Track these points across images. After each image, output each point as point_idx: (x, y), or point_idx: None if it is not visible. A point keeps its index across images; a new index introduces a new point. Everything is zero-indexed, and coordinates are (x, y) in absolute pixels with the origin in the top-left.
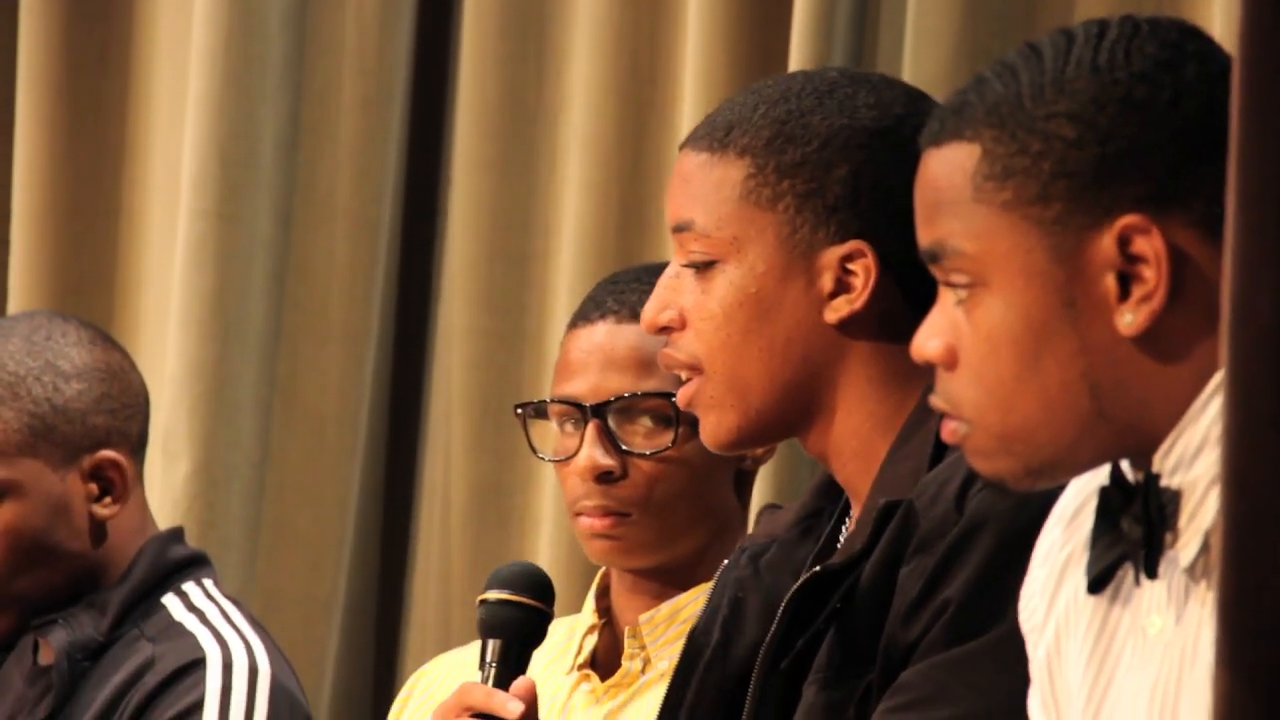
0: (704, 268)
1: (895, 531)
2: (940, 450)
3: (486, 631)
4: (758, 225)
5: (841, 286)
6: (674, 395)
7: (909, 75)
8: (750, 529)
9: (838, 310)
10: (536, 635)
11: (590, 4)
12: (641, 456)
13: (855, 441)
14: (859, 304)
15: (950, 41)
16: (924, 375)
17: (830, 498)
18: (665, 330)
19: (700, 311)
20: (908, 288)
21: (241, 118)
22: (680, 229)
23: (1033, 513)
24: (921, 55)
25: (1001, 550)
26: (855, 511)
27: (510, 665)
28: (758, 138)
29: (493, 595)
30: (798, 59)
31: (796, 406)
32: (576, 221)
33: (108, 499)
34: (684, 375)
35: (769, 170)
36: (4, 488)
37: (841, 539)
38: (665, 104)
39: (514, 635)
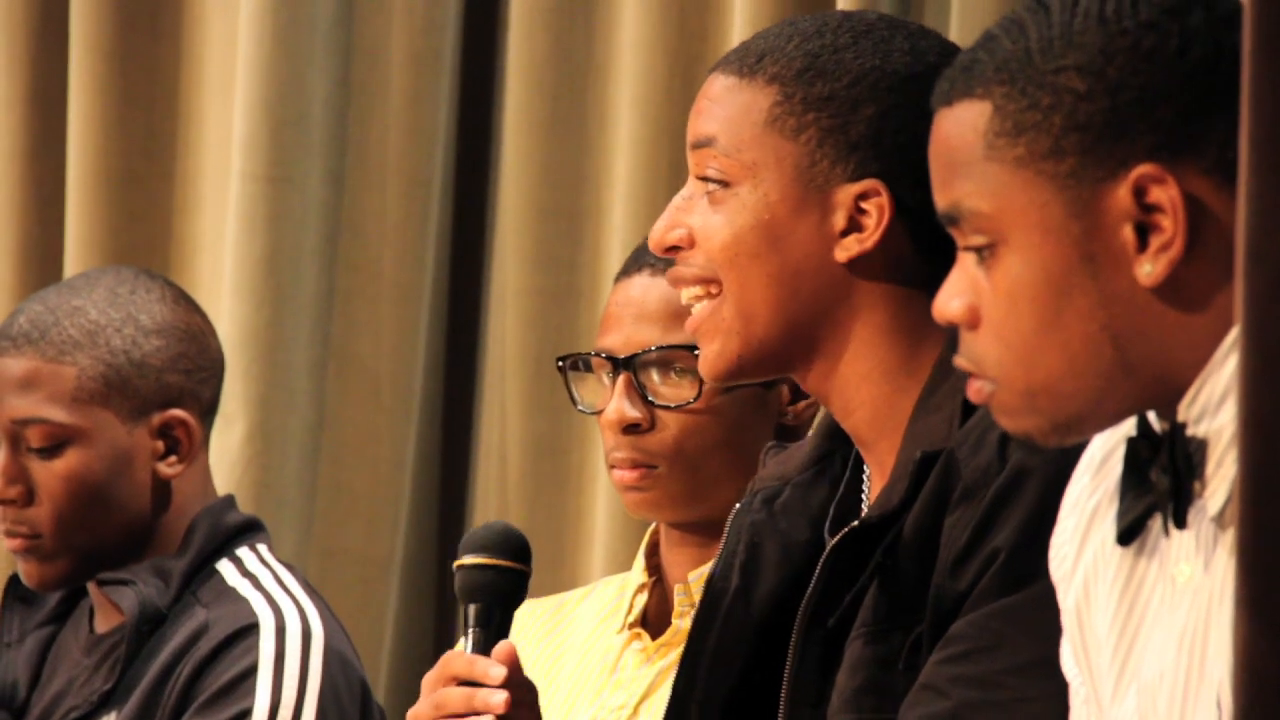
0: (718, 187)
1: (936, 482)
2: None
3: (464, 597)
4: (778, 154)
5: (854, 225)
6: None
7: (957, 20)
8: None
9: (847, 249)
10: (515, 596)
11: None
12: (664, 408)
13: (867, 388)
14: (869, 244)
15: None
16: (937, 325)
17: (840, 439)
18: (673, 250)
19: (708, 230)
20: (921, 236)
21: (291, 79)
22: (700, 145)
23: (1077, 459)
24: (970, 4)
25: (1048, 497)
26: (869, 461)
27: (491, 629)
28: (789, 68)
29: (468, 560)
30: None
31: (799, 342)
32: (627, 178)
33: (173, 458)
34: (693, 296)
35: (796, 100)
36: (71, 434)
37: (866, 488)
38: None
39: (492, 598)
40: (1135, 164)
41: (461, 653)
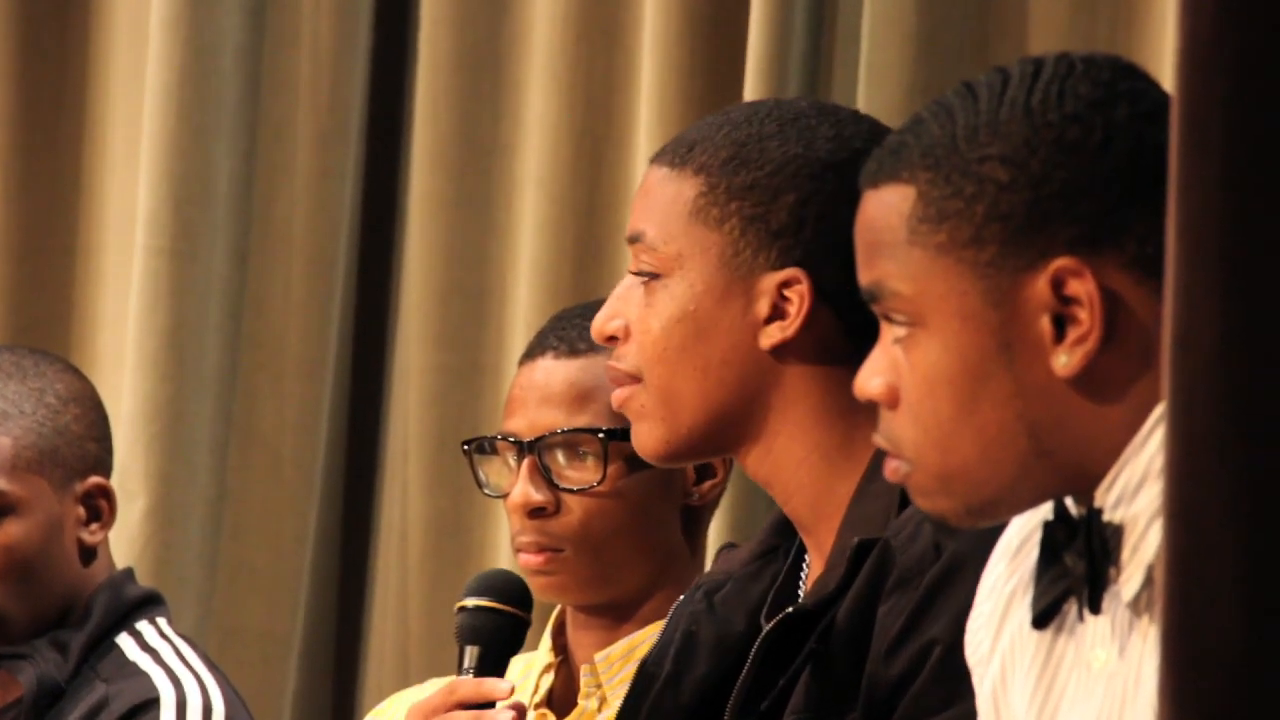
0: (649, 280)
1: (871, 570)
2: None
3: (465, 638)
4: (703, 244)
5: (777, 313)
6: (603, 431)
7: (862, 111)
8: (708, 567)
9: (770, 336)
10: (514, 642)
11: (544, 40)
12: (569, 492)
13: (804, 472)
14: (791, 331)
15: (903, 78)
16: (873, 409)
17: (785, 535)
18: (612, 340)
19: (641, 324)
20: (847, 319)
21: (196, 155)
22: (633, 240)
23: None
24: (875, 92)
25: None
26: (809, 546)
27: (488, 672)
28: (715, 157)
29: (471, 602)
30: (752, 95)
31: (729, 428)
32: (532, 257)
33: (95, 525)
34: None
35: (720, 190)
36: (11, 503)
37: (804, 577)
38: (620, 139)
39: (492, 642)
40: (1055, 256)
41: (467, 678)
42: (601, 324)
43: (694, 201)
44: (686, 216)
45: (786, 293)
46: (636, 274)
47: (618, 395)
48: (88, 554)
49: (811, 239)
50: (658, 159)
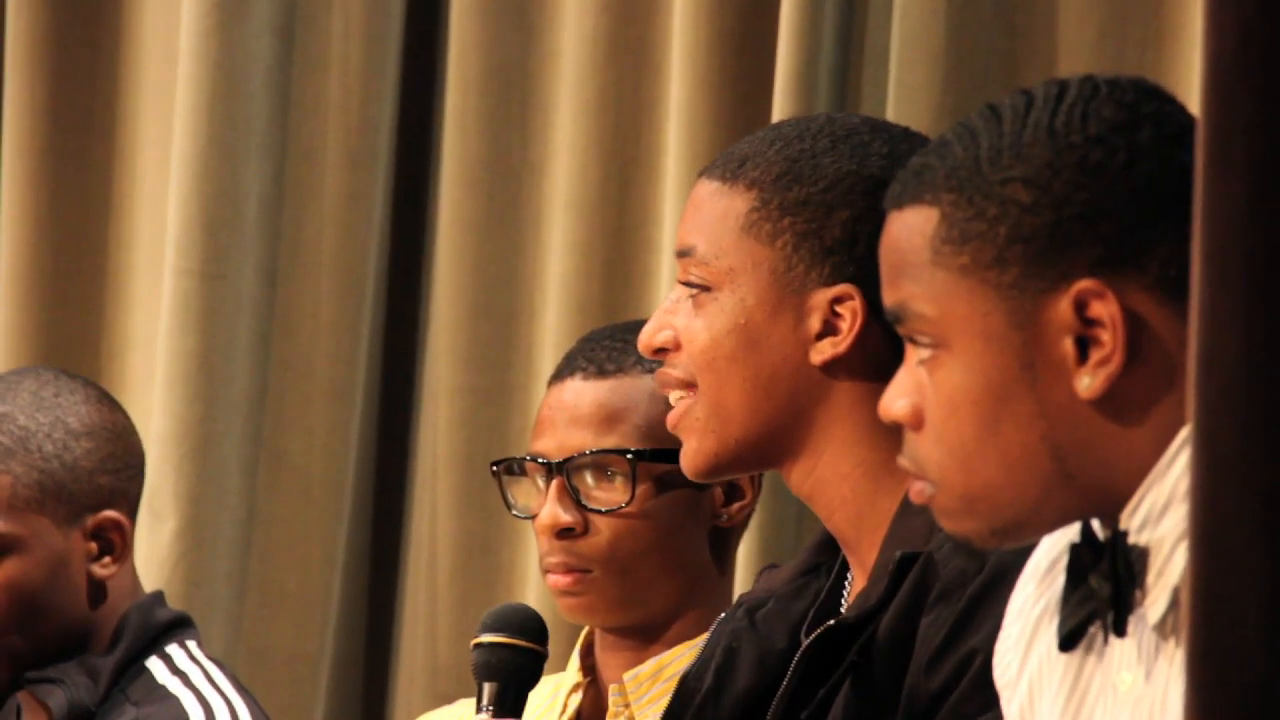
0: (699, 293)
1: (914, 584)
2: None
3: (482, 674)
4: (755, 258)
5: (828, 329)
6: (631, 452)
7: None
8: (737, 589)
9: (822, 352)
10: (532, 677)
11: (574, 61)
12: (597, 513)
13: (845, 488)
14: (843, 347)
15: (932, 98)
16: None
17: (828, 553)
18: (661, 352)
19: (690, 334)
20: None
21: (226, 177)
22: (683, 254)
23: None
24: (903, 113)
25: None
26: (852, 562)
27: (506, 708)
28: (768, 172)
29: (486, 638)
30: (780, 116)
31: (777, 442)
32: (561, 278)
33: (107, 559)
34: (676, 396)
35: (773, 206)
36: (9, 543)
37: (846, 593)
38: (649, 161)
39: (509, 678)
40: (1077, 278)
41: (484, 717)
42: (649, 337)
43: (746, 216)
44: (738, 231)
45: (839, 309)
46: (686, 285)
47: (673, 414)
48: (98, 589)
49: (864, 256)
50: (708, 173)
